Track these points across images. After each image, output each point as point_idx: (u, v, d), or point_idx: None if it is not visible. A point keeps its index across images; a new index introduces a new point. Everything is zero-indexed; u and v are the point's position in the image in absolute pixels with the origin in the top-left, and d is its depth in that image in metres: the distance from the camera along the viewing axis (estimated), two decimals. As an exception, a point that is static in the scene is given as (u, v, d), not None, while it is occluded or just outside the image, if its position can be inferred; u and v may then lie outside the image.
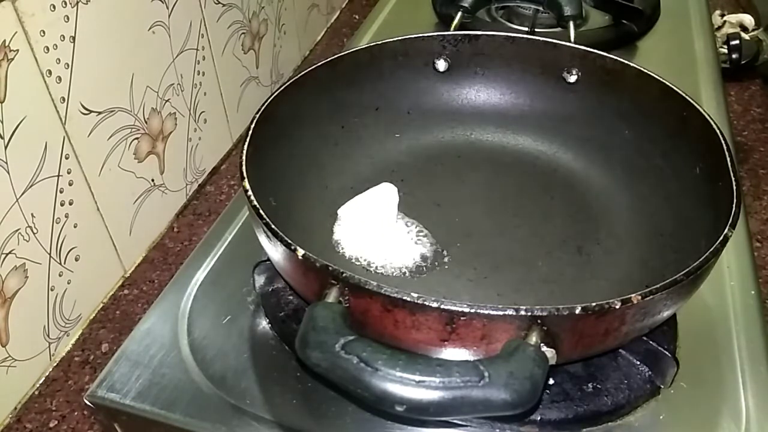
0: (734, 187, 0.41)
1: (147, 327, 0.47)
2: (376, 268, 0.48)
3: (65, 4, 0.57)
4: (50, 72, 0.56)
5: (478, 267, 0.48)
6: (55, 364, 0.62)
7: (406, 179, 0.56)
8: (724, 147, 0.44)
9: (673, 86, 0.50)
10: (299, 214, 0.50)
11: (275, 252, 0.39)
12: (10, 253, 0.55)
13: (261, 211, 0.39)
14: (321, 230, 0.50)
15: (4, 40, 0.52)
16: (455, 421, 0.40)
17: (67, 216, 0.61)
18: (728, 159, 0.43)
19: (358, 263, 0.48)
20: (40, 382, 0.61)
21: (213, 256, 0.53)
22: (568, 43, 0.57)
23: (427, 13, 0.85)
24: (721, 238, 0.37)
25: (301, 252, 0.36)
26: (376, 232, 0.50)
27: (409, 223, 0.51)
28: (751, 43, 0.97)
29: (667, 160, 0.51)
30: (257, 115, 0.47)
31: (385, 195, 0.51)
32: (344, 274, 0.34)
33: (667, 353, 0.41)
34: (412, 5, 0.89)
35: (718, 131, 0.45)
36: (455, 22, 0.68)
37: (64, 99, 0.58)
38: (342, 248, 0.49)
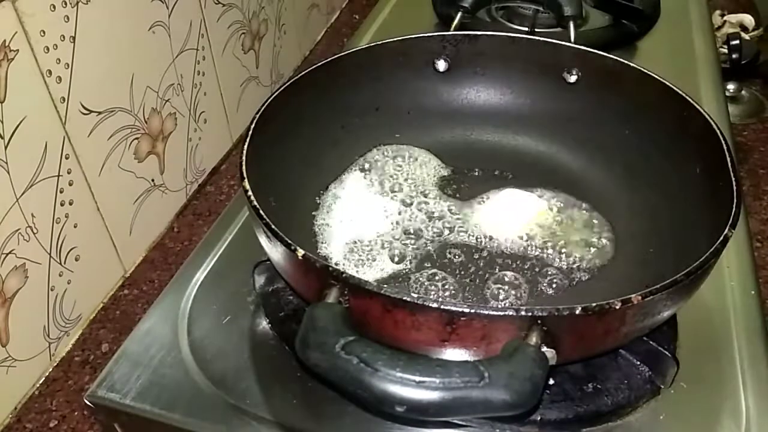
0: (734, 187, 0.41)
1: (147, 327, 0.47)
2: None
3: (65, 4, 0.57)
4: (50, 72, 0.56)
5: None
6: (55, 364, 0.62)
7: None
8: (724, 147, 0.44)
9: (673, 86, 0.50)
10: (299, 214, 0.50)
11: (275, 252, 0.39)
12: (10, 253, 0.55)
13: (261, 211, 0.39)
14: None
15: (4, 40, 0.52)
16: (455, 422, 0.40)
17: (67, 216, 0.61)
18: (728, 159, 0.43)
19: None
20: (40, 382, 0.61)
21: (213, 256, 0.53)
22: (568, 43, 0.57)
23: (427, 13, 0.85)
24: (721, 238, 0.37)
25: (301, 252, 0.36)
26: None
27: (406, 222, 0.51)
28: (751, 43, 0.97)
29: (667, 160, 0.51)
30: (257, 115, 0.47)
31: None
32: (344, 275, 0.34)
33: (667, 353, 0.41)
34: (412, 5, 0.89)
35: (718, 131, 0.45)
36: (455, 22, 0.68)
37: (64, 99, 0.58)
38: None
